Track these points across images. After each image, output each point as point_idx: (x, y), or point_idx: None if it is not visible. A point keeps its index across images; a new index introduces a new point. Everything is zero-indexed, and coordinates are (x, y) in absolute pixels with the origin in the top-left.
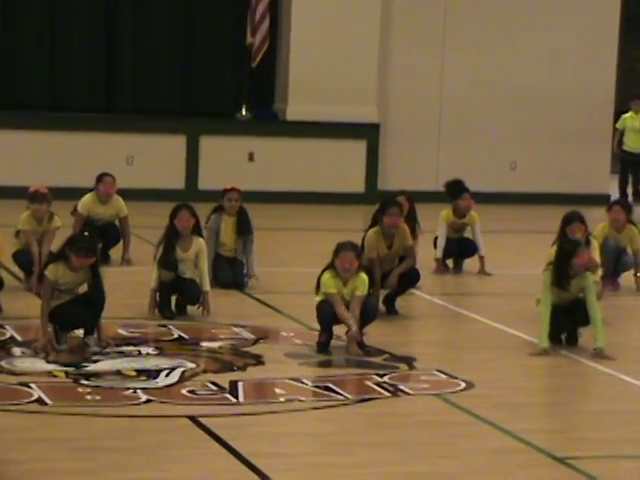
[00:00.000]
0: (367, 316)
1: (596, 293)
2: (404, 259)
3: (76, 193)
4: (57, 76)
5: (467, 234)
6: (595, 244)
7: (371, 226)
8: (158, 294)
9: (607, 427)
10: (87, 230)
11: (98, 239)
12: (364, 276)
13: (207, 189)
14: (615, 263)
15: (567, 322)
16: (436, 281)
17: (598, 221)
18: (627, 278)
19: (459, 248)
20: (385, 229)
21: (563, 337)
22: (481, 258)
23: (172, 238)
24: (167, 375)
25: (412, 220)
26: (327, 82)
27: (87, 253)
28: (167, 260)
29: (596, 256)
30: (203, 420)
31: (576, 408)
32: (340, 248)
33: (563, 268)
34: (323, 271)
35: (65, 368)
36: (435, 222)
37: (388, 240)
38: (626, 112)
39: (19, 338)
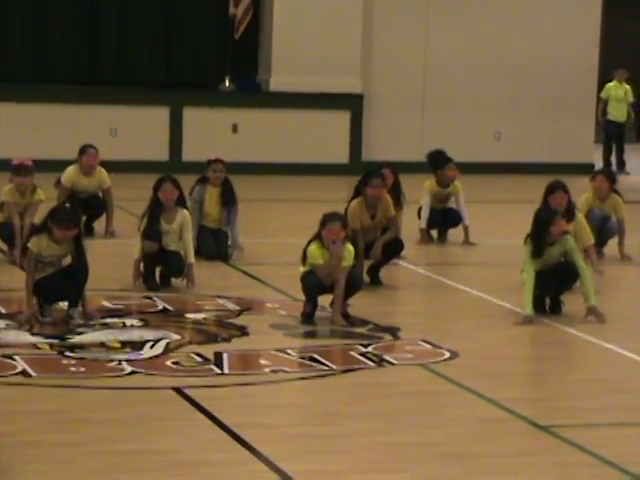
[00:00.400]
0: (352, 286)
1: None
2: (387, 230)
3: (59, 165)
4: (39, 48)
5: (451, 204)
6: (583, 220)
7: (354, 197)
8: (142, 266)
9: (590, 395)
10: (70, 202)
11: (81, 211)
12: (350, 247)
13: (191, 160)
14: (600, 232)
15: (551, 285)
16: (420, 251)
17: (582, 190)
18: (611, 247)
19: (443, 218)
20: (368, 200)
21: (547, 306)
22: (465, 228)
23: (156, 210)
24: (152, 347)
25: (397, 192)
26: (311, 53)
27: (69, 225)
28: (151, 231)
29: (589, 233)
30: (188, 391)
31: (559, 377)
32: (327, 219)
33: (540, 238)
34: (309, 242)
35: (49, 340)
36: (419, 192)
37: (371, 210)
38: (610, 81)
39: (3, 310)
